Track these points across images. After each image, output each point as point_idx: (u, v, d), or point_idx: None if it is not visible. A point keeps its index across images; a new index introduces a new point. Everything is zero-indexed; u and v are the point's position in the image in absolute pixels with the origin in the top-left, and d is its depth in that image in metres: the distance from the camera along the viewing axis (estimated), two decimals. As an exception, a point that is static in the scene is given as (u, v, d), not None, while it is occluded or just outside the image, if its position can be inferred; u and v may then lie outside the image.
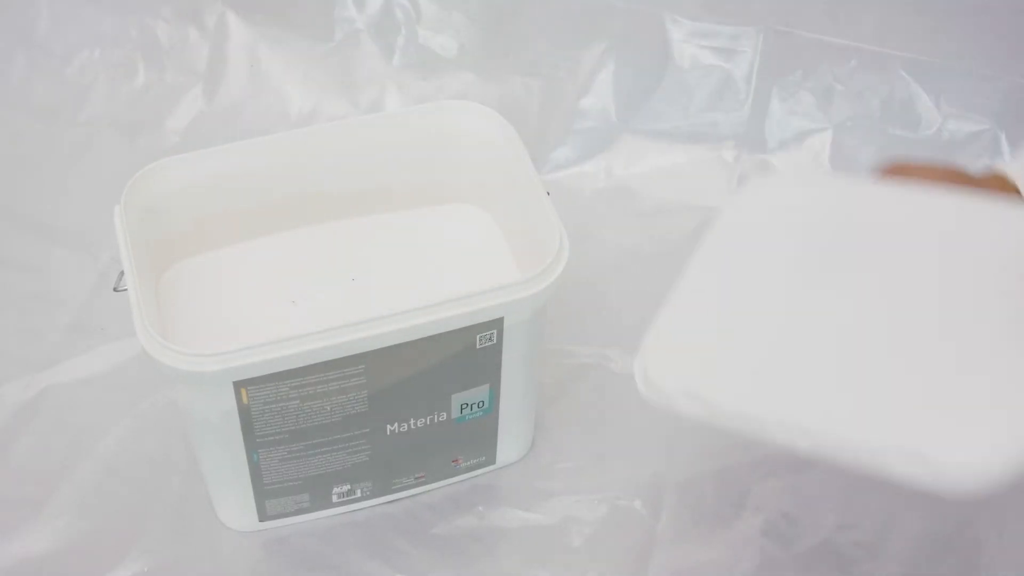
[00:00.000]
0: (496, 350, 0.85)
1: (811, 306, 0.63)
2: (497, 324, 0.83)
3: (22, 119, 1.23)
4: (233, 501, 0.90)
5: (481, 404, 0.89)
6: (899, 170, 0.70)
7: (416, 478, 0.93)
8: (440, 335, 0.81)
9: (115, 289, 0.83)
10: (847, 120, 1.17)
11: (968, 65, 1.13)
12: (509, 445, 0.95)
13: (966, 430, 0.55)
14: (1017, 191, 0.70)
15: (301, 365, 0.79)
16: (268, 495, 0.89)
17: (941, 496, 0.54)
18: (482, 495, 0.95)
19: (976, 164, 1.14)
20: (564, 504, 0.94)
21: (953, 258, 0.63)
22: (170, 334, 0.85)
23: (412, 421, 0.87)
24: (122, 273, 0.82)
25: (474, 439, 0.92)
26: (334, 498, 0.91)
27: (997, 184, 0.70)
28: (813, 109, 1.17)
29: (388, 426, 0.87)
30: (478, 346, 0.84)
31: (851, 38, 1.15)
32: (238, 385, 0.78)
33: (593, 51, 1.20)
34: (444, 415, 0.88)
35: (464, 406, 0.88)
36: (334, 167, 0.92)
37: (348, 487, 0.90)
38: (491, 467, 0.96)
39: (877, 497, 0.94)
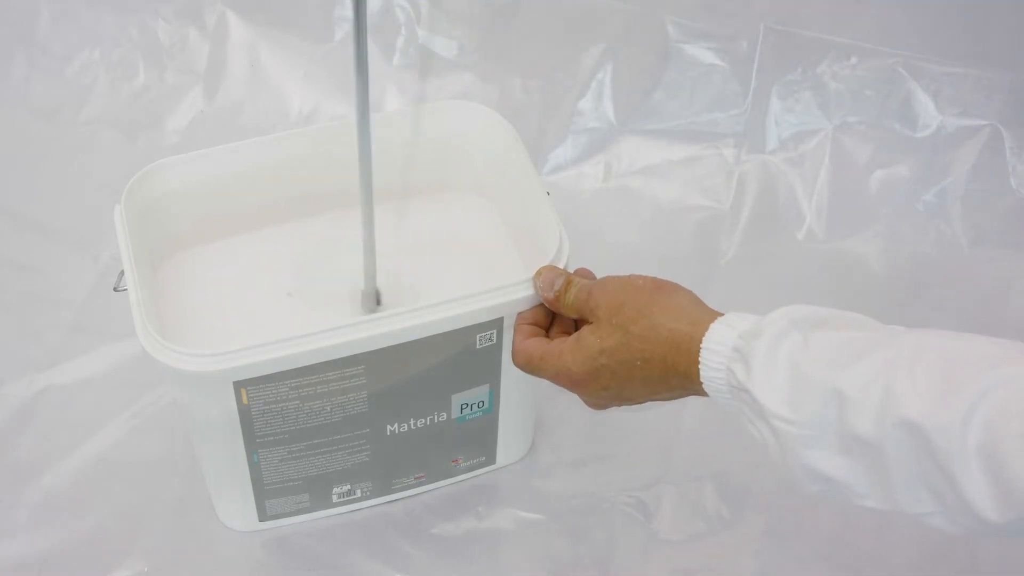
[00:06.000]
0: (496, 350, 0.85)
1: None
2: (497, 324, 0.82)
3: (22, 119, 1.23)
4: (233, 501, 0.90)
5: (481, 404, 0.89)
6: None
7: (416, 478, 0.93)
8: (440, 335, 0.81)
9: (115, 289, 0.83)
10: (846, 119, 1.17)
11: (967, 64, 1.13)
12: (509, 445, 0.95)
13: None
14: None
15: (301, 365, 0.79)
16: (268, 495, 0.89)
17: None
18: (482, 495, 0.95)
19: (973, 161, 1.14)
20: (564, 504, 0.94)
21: None
22: (170, 334, 0.85)
23: (412, 421, 0.87)
24: (122, 273, 0.82)
25: (474, 439, 0.92)
26: (334, 498, 0.91)
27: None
28: (813, 108, 1.17)
29: (388, 426, 0.86)
30: (478, 346, 0.84)
31: (850, 37, 1.15)
32: (238, 385, 0.78)
33: (592, 52, 1.20)
34: (444, 415, 0.88)
35: (464, 406, 0.88)
36: (334, 167, 0.92)
37: (348, 487, 0.90)
38: (491, 467, 0.96)
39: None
